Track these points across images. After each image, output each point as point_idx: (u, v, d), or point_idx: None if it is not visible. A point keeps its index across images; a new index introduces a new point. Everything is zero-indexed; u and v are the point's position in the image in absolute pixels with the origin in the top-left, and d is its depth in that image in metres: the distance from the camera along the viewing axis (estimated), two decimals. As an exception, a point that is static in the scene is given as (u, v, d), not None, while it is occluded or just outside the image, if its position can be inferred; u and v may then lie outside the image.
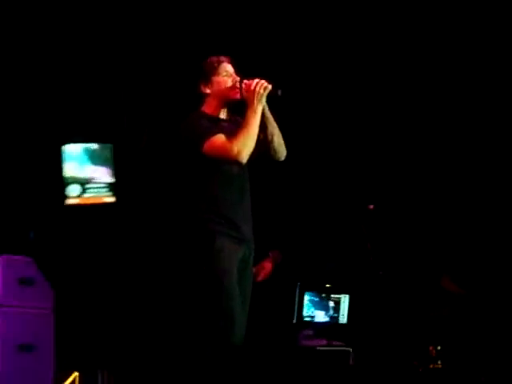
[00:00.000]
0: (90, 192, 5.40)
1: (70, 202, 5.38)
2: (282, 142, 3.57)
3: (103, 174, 5.42)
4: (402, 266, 5.76)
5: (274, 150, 3.56)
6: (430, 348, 5.18)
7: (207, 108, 3.58)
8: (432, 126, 5.94)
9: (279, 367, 4.98)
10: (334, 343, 5.28)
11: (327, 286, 5.37)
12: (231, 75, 3.53)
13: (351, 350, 5.19)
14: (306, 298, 5.29)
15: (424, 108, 5.92)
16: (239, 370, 3.41)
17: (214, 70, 3.53)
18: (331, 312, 5.34)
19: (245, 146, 3.34)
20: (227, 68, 3.55)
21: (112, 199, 5.41)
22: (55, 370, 5.15)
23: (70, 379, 5.38)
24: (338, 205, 5.65)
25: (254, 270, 3.77)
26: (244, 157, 3.35)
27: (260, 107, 3.41)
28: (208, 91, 3.55)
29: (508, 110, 5.68)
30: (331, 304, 5.33)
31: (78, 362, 5.44)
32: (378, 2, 5.45)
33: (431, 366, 5.14)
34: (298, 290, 5.28)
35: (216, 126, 3.48)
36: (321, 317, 5.35)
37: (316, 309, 5.33)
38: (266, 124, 3.49)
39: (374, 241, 5.30)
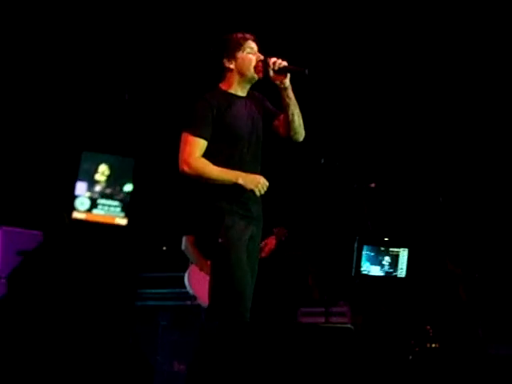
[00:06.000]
0: (101, 209, 4.81)
1: (76, 216, 4.88)
2: (302, 122, 3.62)
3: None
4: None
5: (294, 130, 3.60)
6: (427, 328, 5.19)
7: (225, 84, 3.60)
8: (437, 110, 5.95)
9: (279, 344, 4.96)
10: (332, 320, 5.27)
11: (385, 239, 5.29)
12: (255, 53, 3.53)
13: (351, 326, 5.17)
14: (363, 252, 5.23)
15: (428, 97, 5.92)
16: (243, 344, 3.41)
17: (239, 46, 3.53)
18: (386, 267, 5.27)
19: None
20: (252, 45, 3.55)
21: (124, 221, 4.80)
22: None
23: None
24: (340, 183, 5.63)
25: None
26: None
27: (288, 82, 3.48)
28: (231, 66, 3.55)
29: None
30: (387, 259, 5.26)
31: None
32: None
33: (428, 346, 5.15)
34: (356, 244, 5.23)
35: (229, 102, 3.53)
36: (376, 271, 5.28)
37: (371, 264, 5.27)
38: (289, 104, 3.52)
39: (374, 219, 5.30)
